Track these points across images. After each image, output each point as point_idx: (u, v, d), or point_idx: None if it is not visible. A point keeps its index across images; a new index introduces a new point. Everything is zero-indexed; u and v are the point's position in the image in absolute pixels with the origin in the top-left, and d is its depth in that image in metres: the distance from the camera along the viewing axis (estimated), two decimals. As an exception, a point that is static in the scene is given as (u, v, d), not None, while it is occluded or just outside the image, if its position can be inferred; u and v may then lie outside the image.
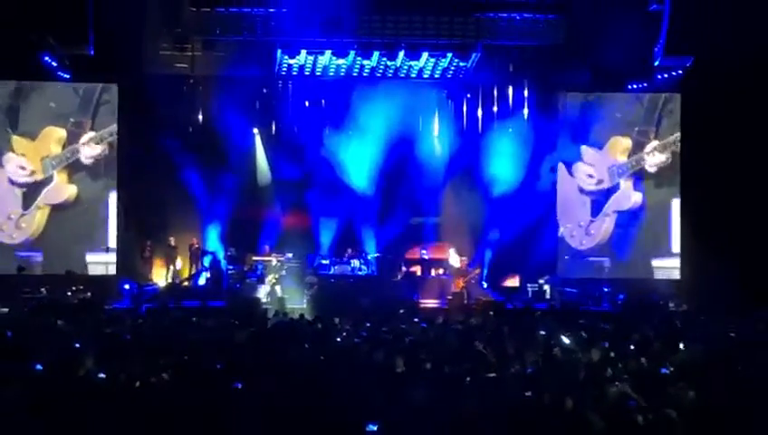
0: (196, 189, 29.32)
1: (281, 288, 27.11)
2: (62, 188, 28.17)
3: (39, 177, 28.01)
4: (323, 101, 30.05)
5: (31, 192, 28.05)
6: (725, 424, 9.54)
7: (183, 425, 9.12)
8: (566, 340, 15.31)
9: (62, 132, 27.99)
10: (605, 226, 29.46)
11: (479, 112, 30.10)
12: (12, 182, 27.92)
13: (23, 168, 27.91)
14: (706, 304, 23.06)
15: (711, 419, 9.78)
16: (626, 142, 29.41)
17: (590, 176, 29.46)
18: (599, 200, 29.55)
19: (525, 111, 29.95)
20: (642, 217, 29.41)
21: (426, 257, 28.93)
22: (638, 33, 26.63)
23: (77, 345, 14.01)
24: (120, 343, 14.76)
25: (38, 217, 28.04)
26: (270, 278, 27.32)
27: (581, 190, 29.55)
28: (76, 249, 27.90)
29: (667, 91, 28.76)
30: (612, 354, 13.71)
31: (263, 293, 26.78)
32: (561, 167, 29.25)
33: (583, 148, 29.34)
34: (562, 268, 29.02)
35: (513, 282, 29.66)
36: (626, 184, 29.49)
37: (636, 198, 29.47)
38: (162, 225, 29.21)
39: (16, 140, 27.81)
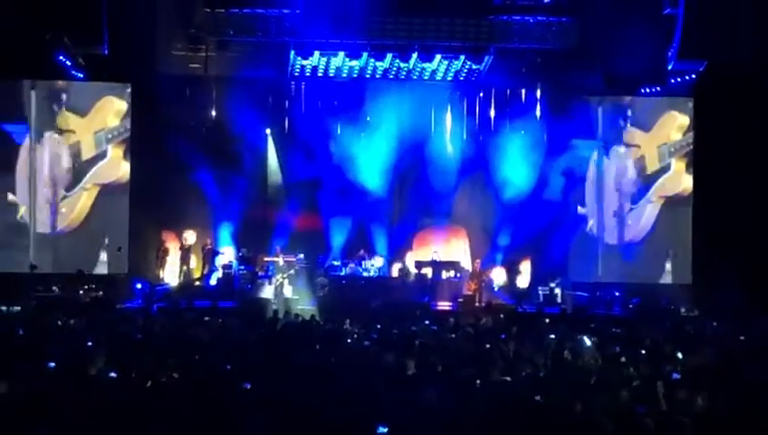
0: (208, 190, 29.36)
1: (291, 289, 27.11)
2: (116, 165, 27.61)
3: (90, 153, 27.46)
4: (336, 102, 30.05)
5: (78, 171, 27.53)
6: (735, 429, 9.52)
7: (192, 424, 9.14)
8: (587, 341, 15.28)
9: (122, 104, 27.59)
10: (647, 213, 28.95)
11: (492, 115, 30.08)
12: (54, 163, 27.43)
13: (70, 145, 27.45)
14: (717, 308, 22.98)
15: (721, 424, 9.77)
16: (683, 119, 28.68)
17: (634, 159, 28.92)
18: (643, 187, 28.90)
19: (538, 113, 29.95)
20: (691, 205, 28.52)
21: (437, 259, 28.86)
22: (651, 36, 26.57)
23: (89, 344, 14.07)
24: (131, 343, 14.81)
25: (83, 201, 27.41)
26: (278, 278, 27.34)
27: (620, 175, 28.95)
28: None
29: (681, 96, 28.63)
30: (623, 359, 13.72)
31: (270, 293, 26.78)
32: (595, 154, 29.02)
33: (628, 129, 28.89)
34: (584, 269, 28.79)
35: (525, 266, 29.61)
36: (678, 165, 28.80)
37: (688, 182, 28.71)
38: (175, 225, 29.25)
39: (65, 115, 27.36)
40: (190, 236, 29.24)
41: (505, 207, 29.49)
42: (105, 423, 9.09)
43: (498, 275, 29.52)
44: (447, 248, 30.22)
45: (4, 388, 10.23)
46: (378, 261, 28.76)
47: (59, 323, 17.75)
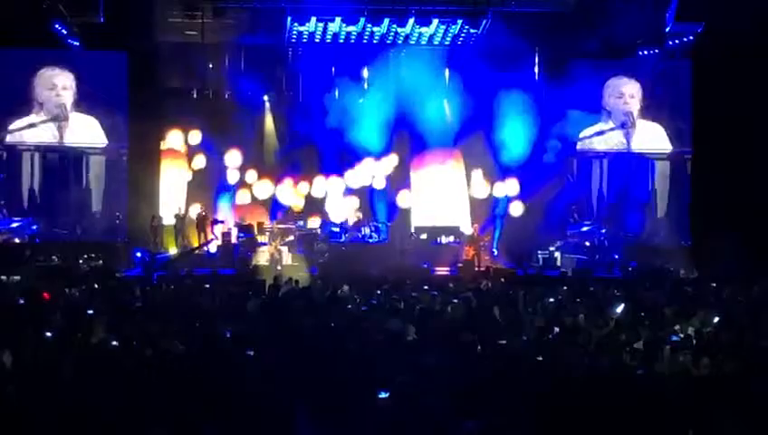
0: (206, 157, 29.37)
1: (291, 256, 27.14)
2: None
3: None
4: (334, 67, 29.93)
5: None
6: (736, 390, 9.55)
7: (194, 391, 9.16)
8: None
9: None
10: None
11: (489, 79, 29.95)
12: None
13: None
14: (717, 271, 23.00)
15: (722, 385, 9.80)
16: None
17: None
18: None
19: (535, 77, 29.88)
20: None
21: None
22: (648, -1, 26.53)
23: (90, 313, 14.08)
24: (131, 311, 14.81)
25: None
26: (274, 245, 27.34)
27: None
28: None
29: (679, 58, 28.58)
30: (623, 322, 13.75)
31: (265, 260, 26.82)
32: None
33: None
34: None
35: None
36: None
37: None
38: (173, 193, 29.25)
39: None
40: (187, 205, 29.22)
41: (504, 170, 29.48)
42: (106, 390, 9.10)
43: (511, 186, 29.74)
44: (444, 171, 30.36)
45: (8, 358, 10.24)
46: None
47: (59, 292, 17.73)
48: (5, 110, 27.84)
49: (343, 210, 29.57)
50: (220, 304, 16.08)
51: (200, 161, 29.66)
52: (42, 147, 28.06)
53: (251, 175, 29.87)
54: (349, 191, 29.77)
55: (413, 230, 29.23)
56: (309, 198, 29.89)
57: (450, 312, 15.22)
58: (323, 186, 29.84)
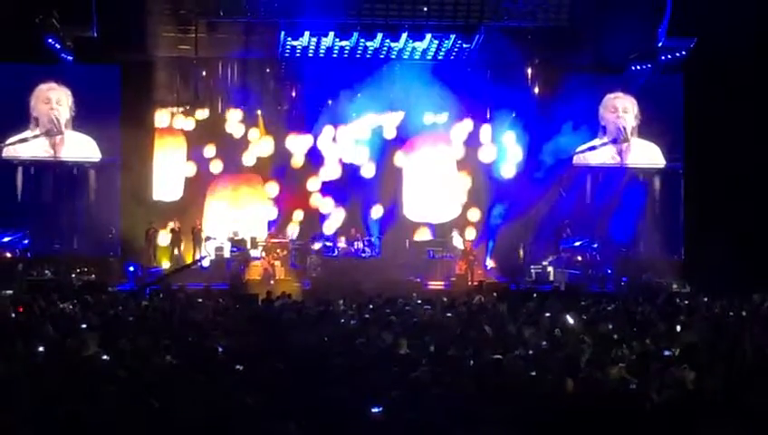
0: (199, 171, 29.38)
1: (284, 270, 27.14)
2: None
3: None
4: (326, 82, 29.91)
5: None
6: (728, 405, 9.55)
7: (185, 406, 9.14)
8: (570, 320, 15.31)
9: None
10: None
11: (482, 93, 29.96)
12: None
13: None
14: (709, 284, 23.02)
15: (713, 400, 9.80)
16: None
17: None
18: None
19: (529, 92, 29.92)
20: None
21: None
22: (641, 14, 26.53)
23: (83, 326, 14.07)
24: (124, 325, 14.80)
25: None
26: (267, 259, 27.33)
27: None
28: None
29: (671, 73, 28.65)
30: (615, 336, 13.75)
31: (258, 274, 26.81)
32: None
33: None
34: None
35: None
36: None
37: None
38: (166, 208, 29.20)
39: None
40: (181, 219, 29.14)
41: (497, 185, 29.52)
42: (98, 405, 9.09)
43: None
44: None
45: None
46: None
47: (51, 306, 17.72)
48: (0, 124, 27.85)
49: (336, 223, 29.54)
50: (212, 319, 16.07)
51: (191, 170, 29.66)
52: (35, 161, 28.02)
53: (243, 188, 29.84)
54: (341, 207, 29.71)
55: (407, 245, 29.20)
56: (301, 213, 29.84)
57: (443, 326, 15.22)
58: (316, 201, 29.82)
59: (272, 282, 26.05)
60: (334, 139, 29.62)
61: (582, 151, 29.51)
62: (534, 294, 22.27)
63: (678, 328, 14.69)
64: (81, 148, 28.08)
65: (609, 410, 9.29)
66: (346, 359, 11.41)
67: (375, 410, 9.01)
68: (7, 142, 27.81)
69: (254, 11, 27.52)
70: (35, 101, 27.80)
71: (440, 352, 12.36)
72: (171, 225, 28.83)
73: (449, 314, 17.11)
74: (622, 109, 29.40)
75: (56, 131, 27.89)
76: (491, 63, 29.53)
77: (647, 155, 29.59)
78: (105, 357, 11.58)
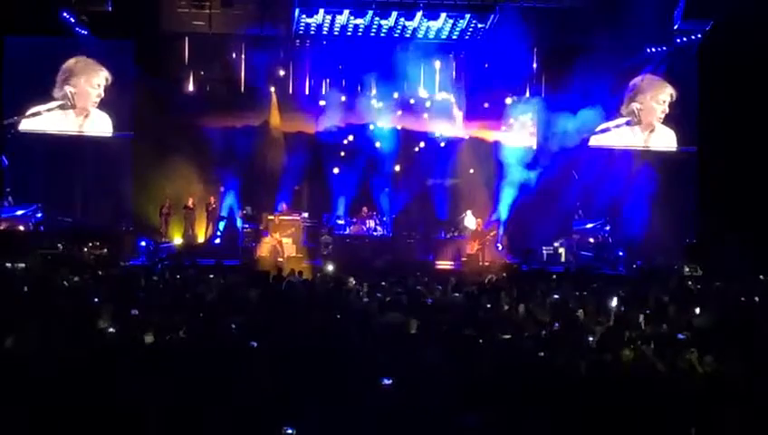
0: (213, 148, 29.33)
1: (296, 247, 27.12)
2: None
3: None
4: (341, 61, 29.84)
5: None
6: (739, 389, 9.54)
7: (196, 382, 9.16)
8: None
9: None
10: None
11: (496, 74, 29.86)
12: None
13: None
14: (721, 268, 22.96)
15: (726, 383, 9.78)
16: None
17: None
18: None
19: (542, 73, 29.82)
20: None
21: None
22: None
23: (95, 300, 14.10)
24: (135, 300, 14.82)
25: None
26: (278, 236, 27.30)
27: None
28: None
29: (686, 55, 28.53)
30: (628, 319, 13.74)
31: (269, 251, 26.79)
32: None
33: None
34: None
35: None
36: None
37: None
38: (179, 184, 29.20)
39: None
40: (195, 196, 29.10)
41: (510, 164, 29.42)
42: (109, 380, 9.11)
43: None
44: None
45: (10, 343, 10.27)
46: None
47: (64, 281, 17.75)
48: (18, 97, 27.85)
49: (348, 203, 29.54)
50: (224, 295, 16.07)
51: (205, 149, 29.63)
52: (48, 135, 28.04)
53: (256, 165, 29.77)
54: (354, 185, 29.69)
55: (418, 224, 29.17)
56: (314, 190, 29.82)
57: (454, 306, 15.21)
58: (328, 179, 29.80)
59: (280, 259, 26.01)
60: (346, 117, 29.53)
61: (595, 133, 29.41)
62: (554, 276, 22.18)
63: (696, 311, 14.66)
64: (93, 121, 28.09)
65: (620, 392, 9.29)
66: (356, 337, 11.42)
67: (386, 381, 9.06)
68: (26, 114, 27.81)
69: (269, -13, 27.49)
70: (51, 75, 27.81)
71: (450, 332, 12.36)
72: (187, 201, 28.82)
73: (459, 294, 17.10)
74: (638, 91, 29.29)
75: (70, 105, 27.93)
76: (506, 43, 29.38)
77: (662, 139, 29.49)
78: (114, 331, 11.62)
